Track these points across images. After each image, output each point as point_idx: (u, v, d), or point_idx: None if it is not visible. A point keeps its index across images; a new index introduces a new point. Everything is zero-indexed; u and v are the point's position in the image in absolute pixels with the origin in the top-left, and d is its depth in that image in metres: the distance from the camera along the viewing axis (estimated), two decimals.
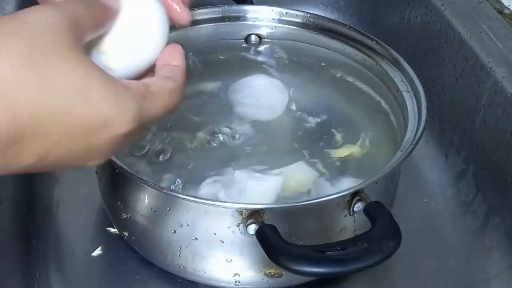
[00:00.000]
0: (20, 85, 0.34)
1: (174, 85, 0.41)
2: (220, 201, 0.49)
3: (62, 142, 0.36)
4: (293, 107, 0.70)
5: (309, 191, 0.60)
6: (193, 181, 0.61)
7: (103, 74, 0.37)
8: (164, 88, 0.41)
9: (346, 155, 0.63)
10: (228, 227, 0.51)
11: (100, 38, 0.41)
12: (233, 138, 0.66)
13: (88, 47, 0.40)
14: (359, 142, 0.64)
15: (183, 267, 0.54)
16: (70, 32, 0.36)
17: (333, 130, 0.67)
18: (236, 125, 0.68)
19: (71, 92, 0.35)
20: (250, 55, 0.72)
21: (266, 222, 0.49)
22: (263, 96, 0.68)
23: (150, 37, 0.43)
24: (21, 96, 0.34)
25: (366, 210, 0.50)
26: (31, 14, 0.36)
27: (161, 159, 0.63)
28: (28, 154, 0.35)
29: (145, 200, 0.54)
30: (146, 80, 0.41)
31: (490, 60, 0.63)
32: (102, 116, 0.36)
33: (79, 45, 0.37)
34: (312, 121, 0.69)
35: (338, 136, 0.66)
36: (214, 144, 0.65)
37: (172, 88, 0.41)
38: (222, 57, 0.72)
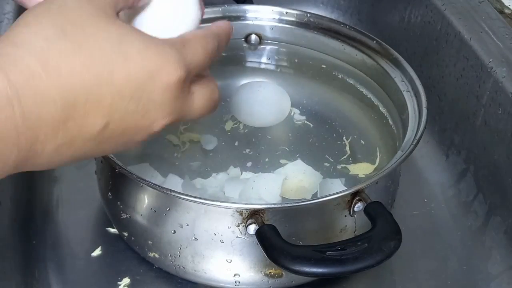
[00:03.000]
0: (58, 54, 0.35)
1: (206, 31, 0.43)
2: (220, 201, 0.49)
3: (116, 103, 0.37)
4: (293, 107, 0.70)
5: (313, 193, 0.60)
6: (194, 181, 0.61)
7: (137, 31, 0.38)
8: (198, 34, 0.42)
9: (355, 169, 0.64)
10: (228, 227, 0.50)
11: (135, 13, 0.42)
12: (234, 140, 0.66)
13: (122, 20, 0.40)
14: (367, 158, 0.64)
15: (183, 267, 0.54)
16: (99, 3, 0.37)
17: (335, 134, 0.67)
18: (236, 128, 0.68)
19: (109, 52, 0.36)
20: (250, 55, 0.72)
21: (266, 222, 0.49)
22: (266, 103, 0.68)
23: (184, 14, 0.44)
24: (62, 64, 0.35)
25: (366, 210, 0.50)
26: None
27: (162, 160, 0.63)
28: (88, 123, 0.36)
29: (145, 200, 0.54)
30: (180, 34, 0.42)
31: (491, 60, 0.63)
32: (146, 68, 0.37)
33: (109, 13, 0.38)
34: (312, 122, 0.69)
35: (343, 141, 0.66)
36: (214, 147, 0.65)
37: (205, 33, 0.42)
38: (222, 57, 0.72)
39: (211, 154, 0.64)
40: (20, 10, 0.66)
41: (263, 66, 0.72)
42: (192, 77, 0.41)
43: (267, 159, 0.64)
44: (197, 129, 0.67)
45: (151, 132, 0.40)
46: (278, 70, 0.72)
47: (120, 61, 0.36)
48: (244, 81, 0.70)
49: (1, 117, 0.33)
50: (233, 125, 0.68)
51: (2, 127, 0.33)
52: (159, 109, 0.39)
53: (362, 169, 0.63)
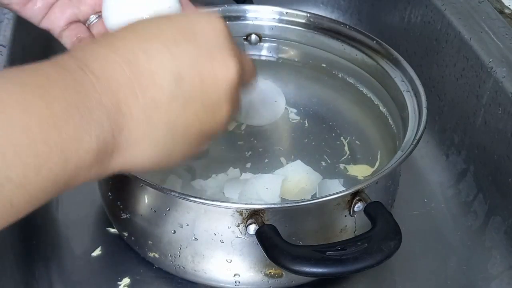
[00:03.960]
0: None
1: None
2: (220, 201, 0.49)
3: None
4: (293, 107, 0.70)
5: (312, 194, 0.60)
6: (193, 182, 0.61)
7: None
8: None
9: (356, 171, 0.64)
10: (228, 227, 0.50)
11: None
12: (233, 140, 0.66)
13: None
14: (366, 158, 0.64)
15: (183, 267, 0.54)
16: None
17: (334, 134, 0.67)
18: (236, 129, 0.68)
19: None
20: (250, 55, 0.72)
21: (266, 222, 0.49)
22: (261, 101, 0.68)
23: None
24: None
25: (366, 210, 0.50)
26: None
27: None
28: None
29: (145, 200, 0.54)
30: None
31: (491, 59, 0.63)
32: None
33: None
34: (312, 122, 0.69)
35: (342, 141, 0.66)
36: (213, 148, 0.65)
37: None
38: None
39: (210, 155, 0.64)
40: None
41: (262, 65, 0.72)
42: None
43: (266, 160, 0.64)
44: None
45: (229, 88, 0.39)
46: (278, 69, 0.72)
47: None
48: None
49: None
50: (235, 125, 0.68)
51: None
52: (222, 53, 0.39)
53: (361, 171, 0.63)
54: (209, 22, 0.39)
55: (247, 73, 0.42)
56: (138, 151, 0.37)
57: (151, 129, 0.37)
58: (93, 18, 0.49)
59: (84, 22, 0.49)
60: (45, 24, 0.49)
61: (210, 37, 0.38)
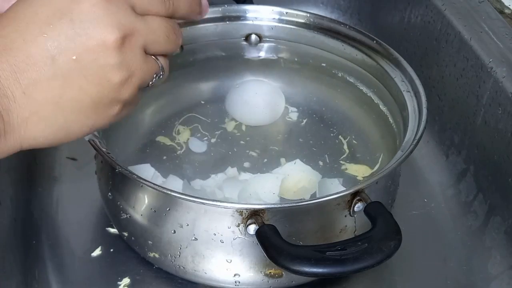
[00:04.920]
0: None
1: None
2: (220, 201, 0.49)
3: (50, 31, 0.39)
4: (293, 106, 0.70)
5: (312, 193, 0.60)
6: (192, 182, 0.61)
7: None
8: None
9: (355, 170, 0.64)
10: (228, 227, 0.50)
11: None
12: (232, 140, 0.67)
13: None
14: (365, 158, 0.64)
15: (183, 267, 0.54)
16: None
17: (334, 133, 0.67)
18: (235, 128, 0.68)
19: None
20: (250, 55, 0.72)
21: (266, 222, 0.49)
22: (260, 101, 0.68)
23: None
24: None
25: (366, 210, 0.50)
26: None
27: (162, 159, 0.63)
28: (35, 60, 0.39)
29: (145, 200, 0.54)
30: None
31: (491, 60, 0.63)
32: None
33: None
34: (312, 121, 0.69)
35: (342, 140, 0.66)
36: (212, 147, 0.65)
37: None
38: (222, 57, 0.72)
39: (210, 154, 0.64)
40: None
41: (262, 65, 0.72)
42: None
43: (265, 159, 0.64)
44: (196, 128, 0.67)
45: (110, 55, 0.40)
46: (278, 69, 0.72)
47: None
48: (243, 80, 0.71)
49: None
50: (235, 125, 0.68)
51: None
52: (98, 24, 0.40)
53: (361, 171, 0.63)
54: None
55: (157, 41, 0.43)
56: (31, 130, 0.40)
57: (37, 109, 0.40)
58: None
59: None
60: None
61: (85, 13, 0.40)
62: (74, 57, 0.40)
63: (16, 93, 0.38)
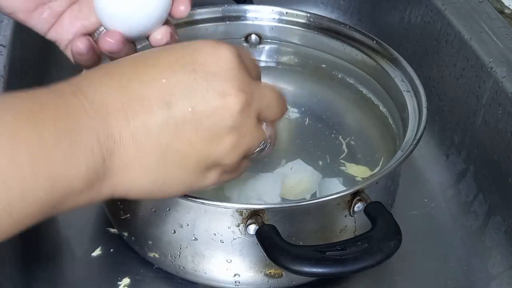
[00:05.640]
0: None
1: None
2: (220, 201, 0.49)
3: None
4: (293, 107, 0.70)
5: (312, 193, 0.60)
6: None
7: None
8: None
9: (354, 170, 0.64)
10: (228, 227, 0.50)
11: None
12: None
13: None
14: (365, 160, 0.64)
15: (183, 267, 0.54)
16: None
17: (335, 133, 0.67)
18: None
19: None
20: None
21: (266, 222, 0.49)
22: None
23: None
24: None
25: (366, 210, 0.50)
26: None
27: None
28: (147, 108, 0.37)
29: (145, 200, 0.54)
30: None
31: (491, 60, 0.63)
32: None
33: None
34: (312, 122, 0.69)
35: (342, 141, 0.66)
36: None
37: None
38: None
39: None
40: None
41: (262, 65, 0.72)
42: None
43: (266, 159, 0.64)
44: None
45: (229, 117, 0.38)
46: (278, 69, 0.72)
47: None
48: None
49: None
50: None
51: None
52: (223, 82, 0.38)
53: (360, 172, 0.63)
54: (213, 51, 0.39)
55: (270, 107, 0.42)
56: (129, 177, 0.37)
57: (141, 154, 0.37)
58: (102, 29, 0.48)
59: (93, 33, 0.48)
60: (52, 35, 0.47)
61: (210, 67, 0.38)
62: (190, 108, 0.37)
63: (124, 136, 0.36)
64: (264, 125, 0.43)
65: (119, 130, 0.36)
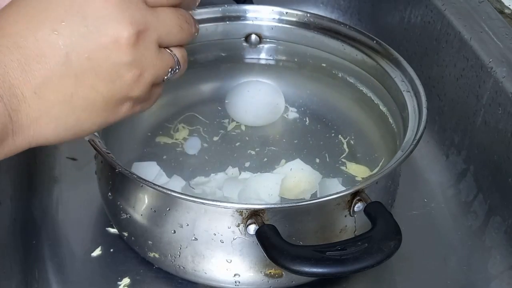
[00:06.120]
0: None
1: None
2: (220, 201, 0.49)
3: (62, 28, 0.39)
4: (293, 106, 0.70)
5: (312, 193, 0.60)
6: (193, 181, 0.61)
7: None
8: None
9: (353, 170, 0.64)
10: (228, 227, 0.50)
11: None
12: (232, 140, 0.67)
13: None
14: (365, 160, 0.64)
15: (183, 267, 0.54)
16: None
17: (334, 133, 0.67)
18: (235, 128, 0.68)
19: None
20: (250, 55, 0.72)
21: (266, 222, 0.49)
22: (260, 102, 0.68)
23: None
24: None
25: (366, 210, 0.50)
26: None
27: (162, 159, 0.63)
28: (47, 59, 0.38)
29: (145, 200, 0.54)
30: None
31: (491, 60, 0.63)
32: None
33: None
34: (312, 121, 0.69)
35: (342, 140, 0.66)
36: (212, 147, 0.65)
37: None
38: (222, 57, 0.72)
39: (210, 154, 0.64)
40: None
41: (262, 65, 0.72)
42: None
43: (265, 159, 0.64)
44: (195, 127, 0.67)
45: (123, 53, 0.40)
46: (278, 69, 0.72)
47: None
48: (243, 80, 0.71)
49: None
50: (235, 125, 0.68)
51: None
52: (111, 21, 0.39)
53: (360, 172, 0.63)
54: None
55: (171, 33, 0.42)
56: (41, 129, 0.39)
57: (47, 108, 0.39)
58: None
59: None
60: None
61: (99, 11, 0.39)
62: (86, 55, 0.39)
63: (26, 93, 0.38)
64: (171, 50, 0.43)
65: (20, 89, 0.37)
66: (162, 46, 0.42)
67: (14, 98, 0.37)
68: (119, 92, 0.41)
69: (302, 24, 0.69)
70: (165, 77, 0.43)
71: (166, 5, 0.42)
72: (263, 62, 0.72)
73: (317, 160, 0.64)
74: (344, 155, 0.65)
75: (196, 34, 0.46)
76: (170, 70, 0.43)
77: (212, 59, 0.71)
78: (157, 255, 0.55)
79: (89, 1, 0.39)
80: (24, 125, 0.38)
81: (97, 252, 0.59)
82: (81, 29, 0.39)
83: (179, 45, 0.44)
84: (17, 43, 0.38)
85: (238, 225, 0.50)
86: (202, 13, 0.68)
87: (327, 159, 0.64)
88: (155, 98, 0.45)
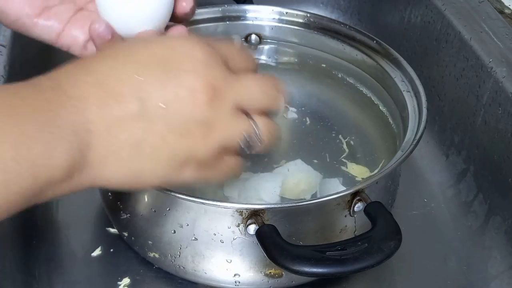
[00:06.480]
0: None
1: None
2: (220, 201, 0.49)
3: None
4: (293, 106, 0.70)
5: (312, 193, 0.60)
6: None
7: None
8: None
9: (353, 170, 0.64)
10: (228, 227, 0.50)
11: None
12: None
13: None
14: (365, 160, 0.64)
15: (183, 267, 0.54)
16: None
17: (334, 133, 0.67)
18: None
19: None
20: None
21: (266, 222, 0.49)
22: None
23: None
24: None
25: (366, 210, 0.50)
26: None
27: None
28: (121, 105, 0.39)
29: (145, 200, 0.54)
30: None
31: (491, 60, 0.63)
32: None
33: None
34: (312, 122, 0.69)
35: (342, 140, 0.66)
36: None
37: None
38: None
39: None
40: None
41: (262, 65, 0.72)
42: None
43: (266, 159, 0.64)
44: None
45: (198, 109, 0.39)
46: (278, 69, 0.72)
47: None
48: None
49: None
50: None
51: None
52: (193, 76, 0.39)
53: (360, 172, 0.63)
54: (186, 50, 0.40)
55: (252, 98, 0.42)
56: (105, 169, 0.39)
57: (116, 148, 0.39)
58: None
59: None
60: (63, 41, 0.48)
61: (183, 65, 0.39)
62: (162, 103, 0.39)
63: (100, 129, 0.38)
64: (251, 118, 0.43)
65: (95, 124, 0.38)
66: (240, 110, 0.42)
67: (88, 133, 0.37)
68: (185, 149, 0.40)
69: (302, 24, 0.69)
70: (241, 145, 0.43)
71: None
72: (263, 62, 0.72)
73: (317, 161, 0.64)
74: (344, 155, 0.65)
75: (283, 105, 0.45)
76: (246, 137, 0.42)
77: None
78: (157, 255, 0.55)
79: (176, 55, 0.39)
80: (92, 162, 0.38)
81: (97, 252, 0.59)
82: (163, 77, 0.39)
83: (265, 115, 0.43)
84: (99, 80, 0.38)
85: (238, 225, 0.50)
86: (202, 13, 0.68)
87: (327, 159, 0.64)
88: (225, 169, 0.44)
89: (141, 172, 0.40)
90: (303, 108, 0.70)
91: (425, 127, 0.55)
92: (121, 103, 0.38)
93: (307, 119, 0.69)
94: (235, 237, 0.51)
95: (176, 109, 0.39)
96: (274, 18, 0.70)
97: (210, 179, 0.44)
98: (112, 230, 0.60)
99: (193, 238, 0.52)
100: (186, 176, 0.42)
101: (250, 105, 0.42)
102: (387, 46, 0.64)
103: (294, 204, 0.53)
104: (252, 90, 0.42)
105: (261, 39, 0.71)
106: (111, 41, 0.45)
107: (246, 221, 0.49)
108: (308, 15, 0.69)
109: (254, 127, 0.43)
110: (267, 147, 0.44)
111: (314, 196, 0.60)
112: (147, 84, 0.39)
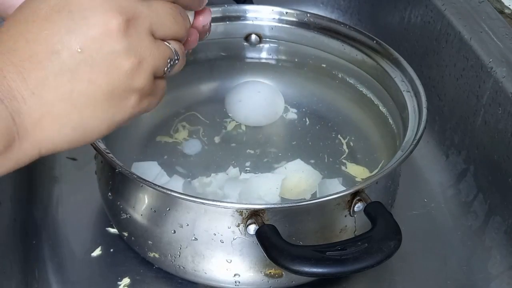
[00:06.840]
0: None
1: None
2: (220, 201, 0.49)
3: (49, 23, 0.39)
4: (293, 107, 0.70)
5: (312, 193, 0.60)
6: (193, 181, 0.61)
7: None
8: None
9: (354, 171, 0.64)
10: (228, 227, 0.50)
11: None
12: (233, 140, 0.67)
13: None
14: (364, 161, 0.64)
15: (183, 267, 0.54)
16: None
17: (334, 133, 0.67)
18: (236, 128, 0.68)
19: None
20: (250, 55, 0.72)
21: (266, 222, 0.49)
22: (259, 102, 0.68)
23: None
24: None
25: (366, 210, 0.50)
26: None
27: (163, 159, 0.63)
28: (40, 51, 0.38)
29: (144, 200, 0.54)
30: None
31: (491, 60, 0.63)
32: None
33: None
34: (312, 122, 0.69)
35: (342, 140, 0.66)
36: (213, 147, 0.65)
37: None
38: (222, 57, 0.72)
39: (210, 154, 0.64)
40: None
41: (262, 65, 0.72)
42: None
43: (266, 159, 0.64)
44: (195, 127, 0.67)
45: (114, 41, 0.39)
46: (278, 69, 0.72)
47: None
48: (243, 80, 0.71)
49: None
50: (235, 125, 0.68)
51: None
52: (98, 11, 0.39)
53: (360, 173, 0.63)
54: None
55: (164, 24, 0.42)
56: (45, 130, 0.39)
57: (48, 108, 0.38)
58: None
59: None
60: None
61: (84, 3, 0.39)
62: (78, 49, 0.38)
63: (25, 94, 0.38)
64: (167, 42, 0.43)
65: (19, 91, 0.37)
66: (156, 37, 0.42)
67: (14, 101, 0.37)
68: (120, 83, 0.40)
69: (302, 24, 0.69)
70: (165, 69, 0.42)
71: None
72: (263, 62, 0.72)
73: (317, 161, 0.64)
74: (344, 155, 0.65)
75: (207, 34, 0.46)
76: (169, 61, 0.42)
77: (212, 59, 0.71)
78: (157, 255, 0.55)
79: None
80: (28, 128, 0.38)
81: (97, 252, 0.59)
82: (69, 23, 0.39)
83: (175, 39, 0.43)
84: (9, 47, 0.38)
85: (238, 225, 0.50)
86: None
87: (327, 159, 0.64)
88: (160, 92, 0.44)
89: (83, 123, 0.40)
90: (302, 108, 0.70)
91: (425, 127, 0.55)
92: (37, 63, 0.38)
93: (307, 119, 0.69)
94: (235, 237, 0.51)
95: (93, 49, 0.39)
96: (274, 18, 0.70)
97: (150, 106, 0.43)
98: (112, 230, 0.60)
99: (193, 238, 0.52)
100: (130, 109, 0.41)
101: (164, 32, 0.42)
102: (387, 46, 0.64)
103: (294, 204, 0.53)
104: (164, 18, 0.42)
105: (261, 39, 0.71)
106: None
107: (246, 221, 0.49)
108: (308, 15, 0.69)
109: (173, 51, 0.43)
110: (181, 67, 0.44)
111: (314, 196, 0.60)
112: (56, 35, 0.38)
